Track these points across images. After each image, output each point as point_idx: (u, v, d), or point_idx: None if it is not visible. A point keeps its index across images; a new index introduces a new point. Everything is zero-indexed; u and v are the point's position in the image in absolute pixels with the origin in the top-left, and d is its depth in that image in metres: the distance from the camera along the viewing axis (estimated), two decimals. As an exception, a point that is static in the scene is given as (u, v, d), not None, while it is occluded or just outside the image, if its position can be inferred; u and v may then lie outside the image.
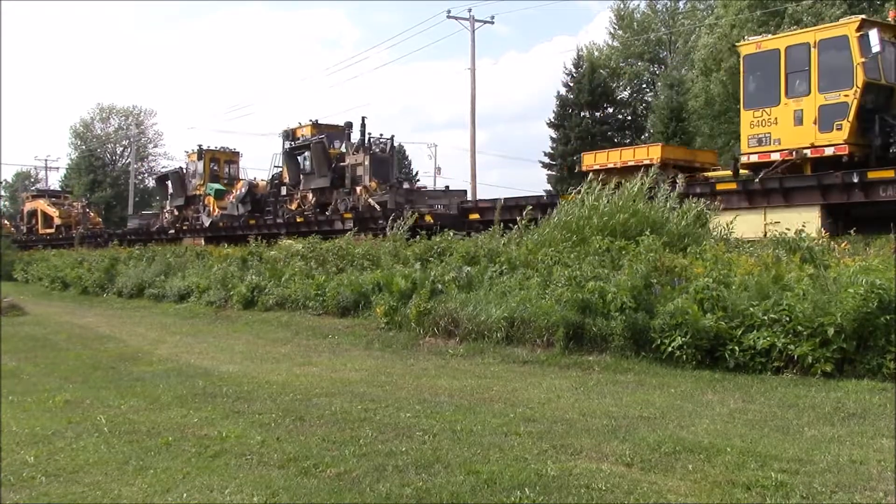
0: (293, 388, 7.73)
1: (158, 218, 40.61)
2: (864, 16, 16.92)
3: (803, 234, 10.19)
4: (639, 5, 53.83)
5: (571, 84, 44.31)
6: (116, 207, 71.09)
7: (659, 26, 51.27)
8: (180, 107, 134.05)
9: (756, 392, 7.13)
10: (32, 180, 79.83)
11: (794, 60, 15.78)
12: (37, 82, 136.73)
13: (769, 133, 16.11)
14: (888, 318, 7.51)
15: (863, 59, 14.68)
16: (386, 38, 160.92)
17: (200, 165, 35.98)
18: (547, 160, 45.70)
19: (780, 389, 7.17)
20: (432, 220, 21.13)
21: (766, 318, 8.07)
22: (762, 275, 9.02)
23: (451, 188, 27.27)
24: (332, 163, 27.00)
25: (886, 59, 15.15)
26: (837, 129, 15.05)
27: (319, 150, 27.05)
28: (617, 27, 53.38)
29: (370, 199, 24.86)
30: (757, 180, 15.78)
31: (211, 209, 34.34)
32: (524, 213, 15.28)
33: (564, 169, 42.61)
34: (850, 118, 14.84)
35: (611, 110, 46.54)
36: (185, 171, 37.49)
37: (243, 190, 32.48)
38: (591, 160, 22.49)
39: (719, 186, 16.77)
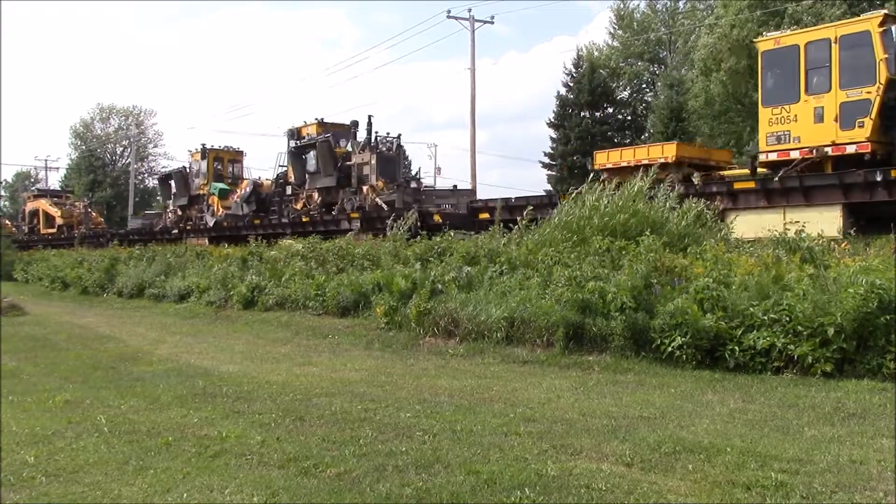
0: (293, 388, 7.73)
1: (162, 218, 40.27)
2: (886, 10, 16.52)
3: (803, 234, 10.17)
4: (639, 5, 53.87)
5: (571, 84, 44.27)
6: (116, 207, 71.06)
7: (659, 26, 51.26)
8: (180, 107, 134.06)
9: (756, 392, 7.13)
10: (32, 180, 79.79)
11: (815, 56, 15.41)
12: (37, 82, 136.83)
13: (788, 131, 15.77)
14: (888, 318, 7.51)
15: (886, 55, 14.33)
16: (386, 38, 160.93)
17: (204, 165, 35.61)
18: (547, 160, 45.67)
19: (780, 389, 7.17)
20: (441, 220, 20.77)
21: (766, 318, 8.07)
22: (762, 275, 9.02)
23: (458, 187, 26.82)
24: (338, 162, 26.64)
25: None
26: (859, 127, 14.68)
27: (325, 149, 26.72)
28: (617, 27, 53.37)
29: (377, 199, 24.53)
30: (776, 179, 15.39)
31: (215, 209, 34.05)
32: (524, 213, 15.27)
33: (564, 169, 42.58)
34: (873, 115, 14.47)
35: (611, 110, 46.49)
36: (188, 170, 37.13)
37: (248, 189, 32.09)
38: (604, 159, 22.14)
39: (737, 185, 16.39)
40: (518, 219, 15.11)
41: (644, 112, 48.34)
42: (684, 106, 38.36)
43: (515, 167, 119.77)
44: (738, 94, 34.44)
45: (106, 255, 25.55)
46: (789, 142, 15.76)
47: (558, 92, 45.39)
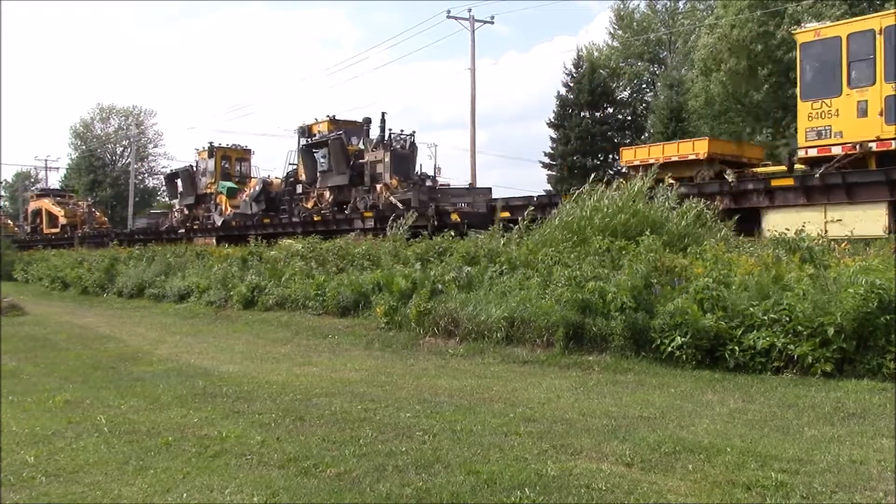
0: (293, 388, 7.73)
1: (168, 217, 39.81)
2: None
3: (803, 234, 10.16)
4: (639, 5, 53.96)
5: (571, 84, 44.27)
6: (116, 207, 71.10)
7: (659, 26, 51.25)
8: (180, 107, 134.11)
9: (756, 392, 7.13)
10: (32, 180, 79.82)
11: (858, 48, 14.77)
12: (37, 82, 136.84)
13: (829, 125, 15.12)
14: (888, 318, 7.51)
15: None
16: (386, 38, 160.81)
17: (211, 163, 35.12)
18: (547, 160, 45.69)
19: (780, 389, 7.17)
20: (459, 219, 20.05)
21: (766, 318, 8.07)
22: (762, 275, 9.02)
23: (475, 185, 25.96)
24: (350, 160, 26.15)
25: None
26: None
27: (338, 146, 26.24)
28: (617, 27, 53.37)
29: (392, 198, 23.96)
30: (817, 175, 14.68)
31: (223, 208, 33.59)
32: (525, 213, 15.23)
33: (564, 169, 42.59)
34: None
35: (611, 110, 46.48)
36: (195, 168, 36.62)
37: (257, 188, 31.59)
38: (631, 155, 21.64)
39: (774, 182, 15.66)
40: (519, 218, 15.09)
41: (644, 112, 48.32)
42: (684, 106, 38.36)
43: (515, 167, 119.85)
44: (738, 94, 34.42)
45: (106, 255, 25.54)
46: (830, 137, 15.10)
47: (558, 92, 45.46)
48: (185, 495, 4.53)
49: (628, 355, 8.69)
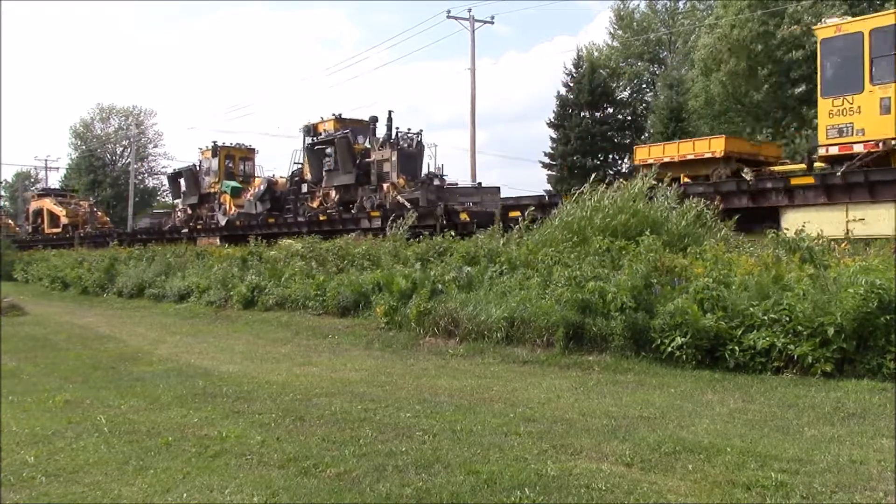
0: (293, 388, 7.73)
1: (171, 217, 39.40)
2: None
3: (802, 234, 10.15)
4: (639, 5, 53.92)
5: (571, 84, 44.27)
6: (116, 207, 71.07)
7: (659, 26, 51.24)
8: (180, 107, 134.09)
9: (756, 392, 7.13)
10: (32, 180, 79.82)
11: (881, 44, 14.38)
12: (37, 82, 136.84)
13: (851, 123, 14.75)
14: (888, 318, 7.51)
15: None
16: (386, 38, 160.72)
17: (215, 162, 34.75)
18: (547, 160, 45.69)
19: (780, 389, 7.17)
20: (468, 218, 19.56)
21: (766, 318, 8.08)
22: (762, 275, 9.03)
23: (483, 185, 24.90)
24: (356, 159, 25.72)
25: None
26: None
27: (344, 145, 25.81)
28: (617, 27, 53.36)
29: (399, 197, 23.50)
30: (839, 174, 14.32)
31: (227, 207, 33.24)
32: (525, 213, 15.20)
33: (564, 169, 42.59)
34: None
35: (611, 110, 46.47)
36: (198, 168, 36.28)
37: (262, 187, 31.15)
38: (646, 154, 21.32)
39: (794, 181, 15.30)
40: (519, 219, 15.06)
41: (644, 112, 48.32)
42: (684, 106, 38.36)
43: (515, 167, 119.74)
44: (738, 94, 34.41)
45: (106, 255, 25.54)
46: (852, 134, 14.73)
47: (558, 92, 45.45)
48: (185, 495, 4.53)
49: (628, 355, 8.69)
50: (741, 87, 33.60)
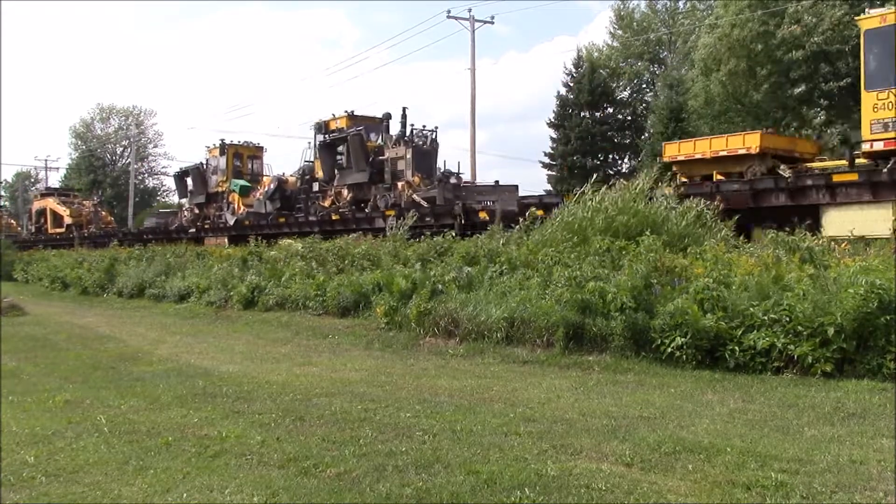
0: (293, 388, 7.73)
1: (177, 216, 38.86)
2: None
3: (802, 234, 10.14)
4: (639, 5, 53.77)
5: (571, 84, 44.26)
6: (116, 207, 71.08)
7: (659, 26, 51.22)
8: (180, 107, 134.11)
9: (756, 392, 7.13)
10: (32, 180, 79.82)
11: None
12: (37, 82, 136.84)
13: None
14: (888, 318, 7.51)
15: None
16: (386, 38, 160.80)
17: (223, 161, 34.23)
18: (547, 160, 45.69)
19: (780, 389, 7.17)
20: (487, 217, 18.86)
21: (766, 318, 8.07)
22: (762, 275, 9.03)
23: (500, 183, 24.14)
24: (369, 156, 25.25)
25: None
26: None
27: (357, 142, 25.29)
28: (617, 27, 53.34)
29: (415, 196, 23.01)
30: (885, 170, 13.87)
31: (236, 207, 32.68)
32: (527, 213, 15.16)
33: (564, 169, 42.58)
34: None
35: (611, 110, 46.48)
36: (205, 166, 35.76)
37: (272, 186, 30.56)
38: (675, 150, 20.55)
39: (836, 178, 14.72)
40: (520, 219, 15.03)
41: (644, 112, 48.31)
42: (684, 106, 38.34)
43: (515, 167, 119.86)
44: (738, 94, 34.39)
45: (106, 255, 25.53)
46: None
47: (558, 92, 45.43)
48: (185, 495, 4.53)
49: (628, 355, 8.69)
50: (741, 87, 33.57)
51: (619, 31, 52.88)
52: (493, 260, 12.39)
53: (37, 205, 50.15)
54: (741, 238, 12.45)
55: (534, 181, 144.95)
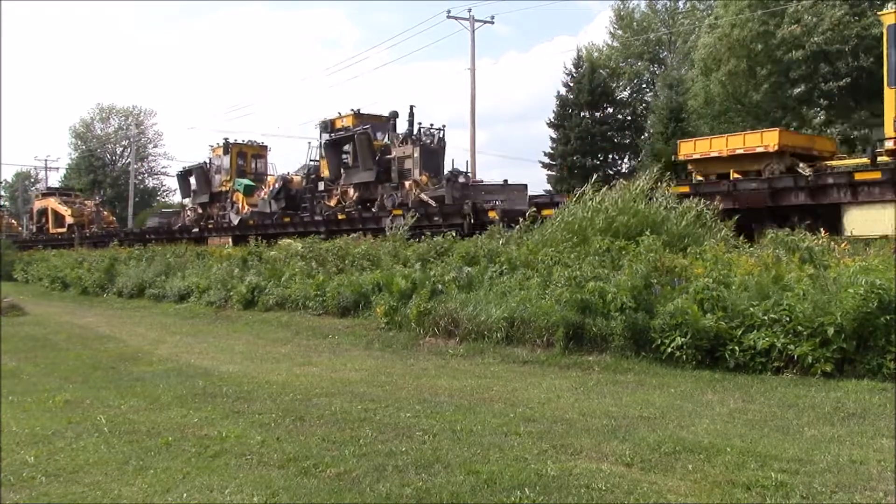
0: (293, 388, 7.73)
1: (180, 216, 38.70)
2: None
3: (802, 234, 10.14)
4: (639, 5, 53.81)
5: (571, 84, 44.28)
6: (117, 207, 71.08)
7: (659, 26, 51.24)
8: (180, 107, 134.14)
9: (756, 392, 7.13)
10: (32, 180, 79.81)
11: None
12: (37, 82, 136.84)
13: None
14: (888, 318, 7.51)
15: None
16: (386, 38, 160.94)
17: (227, 160, 34.06)
18: (547, 160, 45.69)
19: (780, 389, 7.17)
20: (497, 216, 18.62)
21: (766, 318, 8.07)
22: (762, 275, 9.03)
23: (509, 182, 23.95)
24: (376, 155, 25.05)
25: None
26: None
27: (364, 141, 25.11)
28: (617, 27, 53.36)
29: (423, 195, 22.80)
30: None
31: (240, 206, 32.53)
32: (527, 213, 15.16)
33: (564, 169, 42.59)
34: None
35: (611, 110, 46.50)
36: (209, 166, 35.64)
37: (277, 185, 30.39)
38: (690, 148, 20.20)
39: (858, 176, 14.25)
40: (520, 219, 15.04)
41: (644, 112, 48.32)
42: (684, 106, 38.34)
43: (515, 167, 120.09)
44: (737, 94, 34.40)
45: (105, 255, 25.52)
46: None
47: (558, 92, 45.47)
48: (185, 495, 4.53)
49: (628, 355, 8.69)
50: (741, 87, 33.59)
51: (619, 31, 52.92)
52: (493, 260, 12.39)
53: (38, 204, 50.01)
54: (741, 238, 12.45)
55: (534, 181, 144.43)
